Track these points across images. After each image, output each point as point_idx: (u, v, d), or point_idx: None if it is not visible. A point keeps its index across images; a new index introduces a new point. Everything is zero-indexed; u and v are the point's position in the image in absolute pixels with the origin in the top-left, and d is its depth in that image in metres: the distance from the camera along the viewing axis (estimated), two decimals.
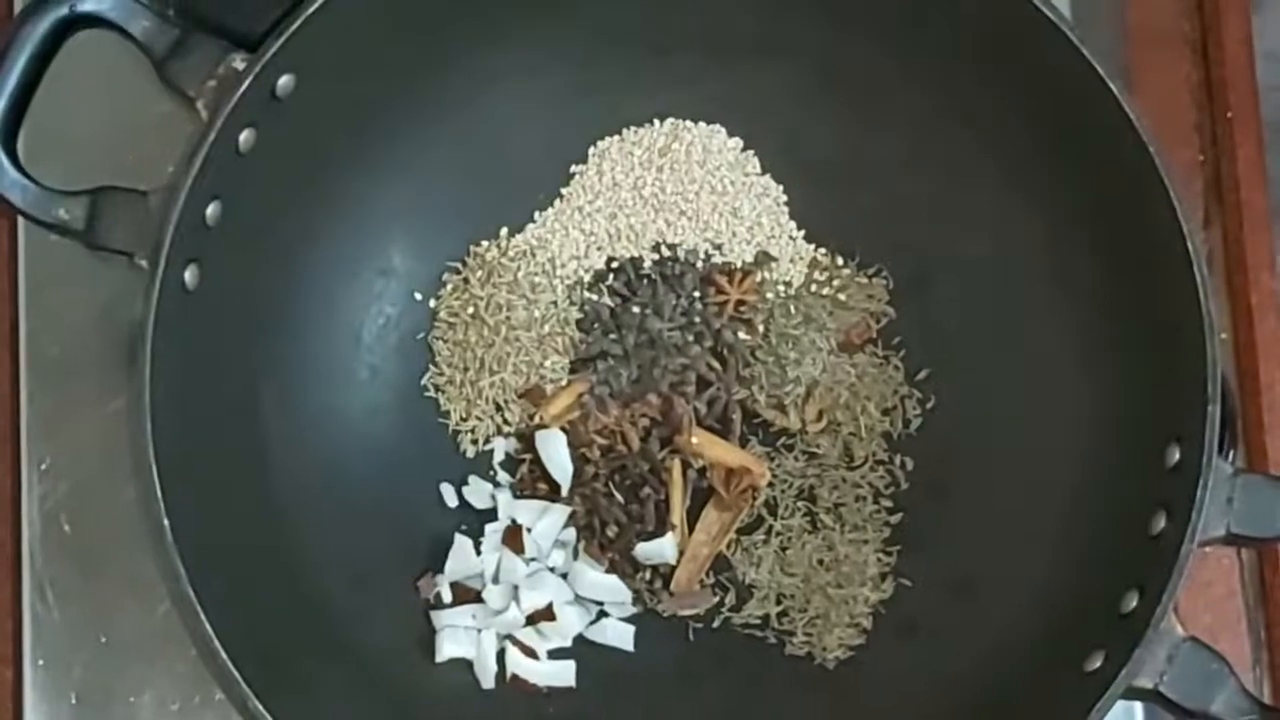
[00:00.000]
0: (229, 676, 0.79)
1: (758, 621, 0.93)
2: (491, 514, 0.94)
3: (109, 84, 0.95)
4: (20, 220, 0.95)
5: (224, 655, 0.79)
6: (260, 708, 0.79)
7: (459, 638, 0.92)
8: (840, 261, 0.97)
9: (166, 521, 0.80)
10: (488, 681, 0.91)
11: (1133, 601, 0.81)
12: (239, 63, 0.84)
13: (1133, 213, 0.85)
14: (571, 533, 0.93)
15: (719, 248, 0.97)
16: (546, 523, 0.92)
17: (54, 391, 0.95)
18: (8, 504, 0.95)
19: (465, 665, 0.92)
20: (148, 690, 0.93)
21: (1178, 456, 0.82)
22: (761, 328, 0.96)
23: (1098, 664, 0.81)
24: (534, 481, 0.93)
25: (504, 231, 0.97)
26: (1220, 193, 1.03)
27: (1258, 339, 1.00)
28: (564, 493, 0.93)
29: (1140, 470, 0.84)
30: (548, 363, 0.95)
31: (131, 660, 0.93)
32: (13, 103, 0.84)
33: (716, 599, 0.93)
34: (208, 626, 0.80)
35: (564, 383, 0.95)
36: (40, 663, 0.93)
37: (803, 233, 0.98)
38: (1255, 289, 1.00)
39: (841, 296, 0.96)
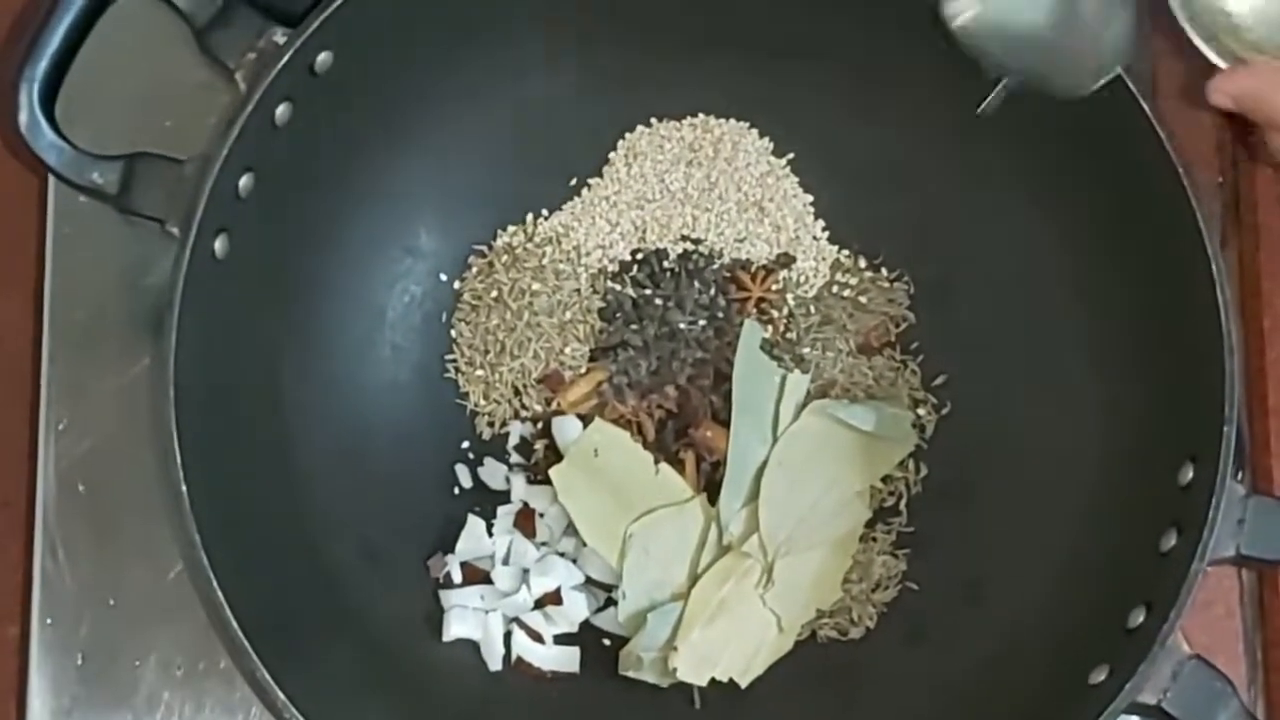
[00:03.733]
0: (238, 643, 0.80)
1: None
2: (505, 496, 0.94)
3: (149, 52, 0.94)
4: (51, 182, 0.95)
5: (234, 622, 0.80)
6: (267, 676, 0.80)
7: (466, 618, 0.92)
8: (862, 264, 0.98)
9: (185, 487, 0.81)
10: (495, 663, 0.92)
11: (1140, 617, 0.82)
12: (279, 37, 0.85)
13: (1157, 231, 0.86)
14: None
15: (743, 244, 0.97)
16: (559, 508, 0.92)
17: (76, 353, 0.95)
18: (24, 463, 0.95)
19: (471, 646, 0.93)
20: (153, 653, 0.93)
21: (1191, 475, 0.83)
22: (782, 326, 0.97)
23: (1102, 677, 0.81)
24: (549, 467, 0.93)
25: (531, 217, 0.98)
26: (1238, 215, 1.03)
27: (1268, 363, 1.00)
28: None
29: (1153, 487, 0.85)
30: (568, 350, 0.96)
31: (139, 623, 0.93)
32: (54, 65, 0.85)
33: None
34: (219, 593, 0.81)
35: (583, 370, 0.96)
36: (48, 621, 0.93)
37: (826, 234, 0.98)
38: (1269, 313, 1.00)
39: (862, 299, 0.97)
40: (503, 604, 0.92)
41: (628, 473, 0.92)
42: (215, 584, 0.80)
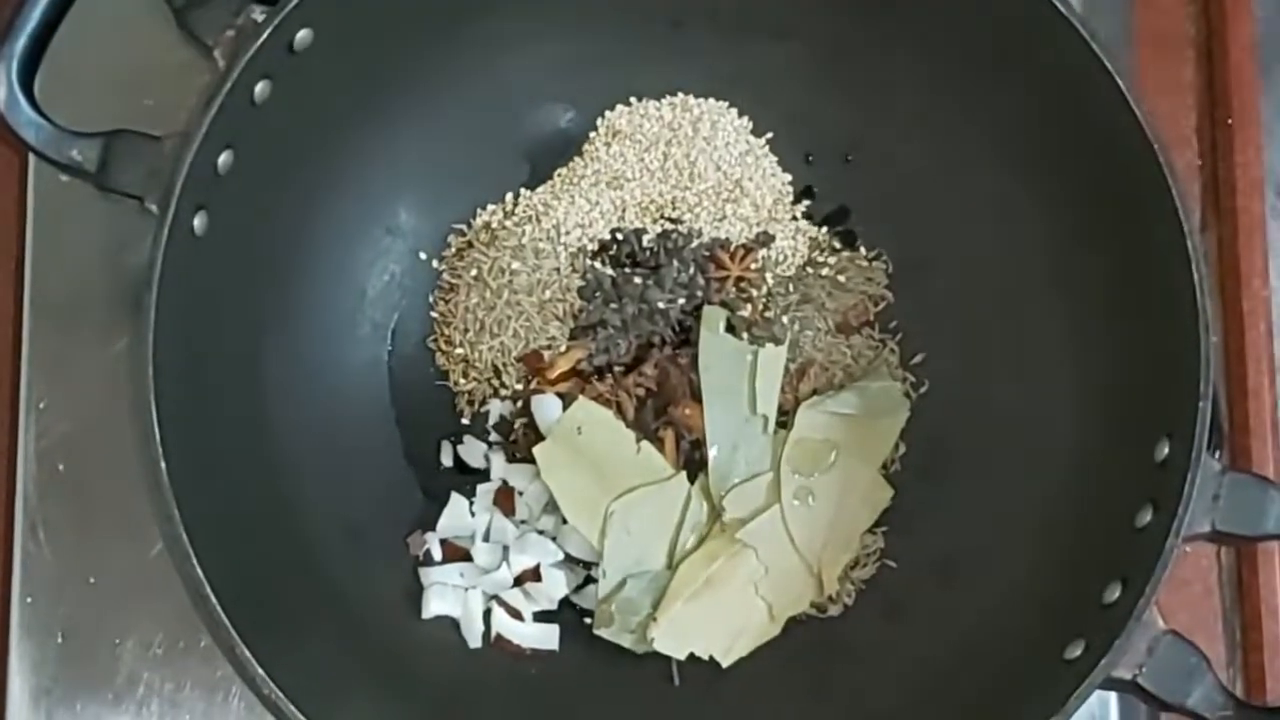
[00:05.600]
0: (218, 620, 0.80)
1: None
2: (485, 475, 0.95)
3: (127, 29, 0.95)
4: (30, 160, 0.96)
5: (214, 600, 0.80)
6: (247, 652, 0.80)
7: (446, 595, 0.93)
8: (840, 244, 0.98)
9: (164, 465, 0.80)
10: (474, 641, 0.92)
11: (1115, 592, 0.82)
12: (258, 14, 0.85)
13: (1134, 209, 0.86)
14: None
15: (722, 224, 0.97)
16: (538, 486, 0.93)
17: (56, 332, 0.96)
18: (4, 442, 0.95)
19: (450, 623, 0.93)
20: (133, 632, 0.94)
21: (1167, 451, 0.83)
22: (761, 305, 0.97)
23: (1078, 653, 0.81)
24: (528, 445, 0.93)
25: (510, 196, 0.98)
26: (1217, 197, 1.03)
27: (1247, 345, 1.00)
28: None
29: (1129, 463, 0.85)
30: (548, 328, 0.96)
31: (119, 602, 0.94)
32: (33, 42, 0.84)
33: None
34: (199, 570, 0.80)
35: (563, 349, 0.96)
36: (28, 600, 0.94)
37: (805, 213, 0.99)
38: (1247, 295, 1.01)
39: (841, 278, 0.97)
40: (482, 581, 0.93)
41: (610, 451, 0.92)
42: (195, 562, 0.80)
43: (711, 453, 0.93)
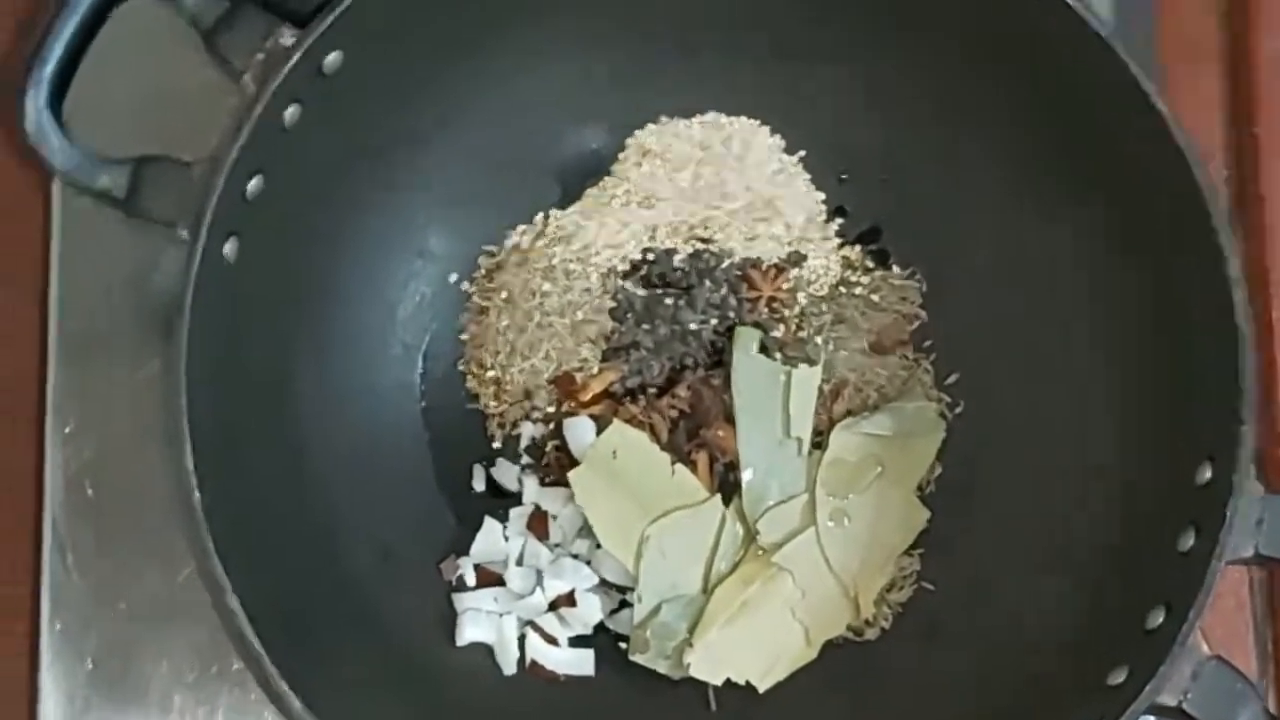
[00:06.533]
0: (255, 654, 0.79)
1: None
2: (518, 498, 0.94)
3: (155, 53, 0.94)
4: (56, 185, 0.95)
5: (251, 633, 0.79)
6: (283, 685, 0.79)
7: (480, 621, 0.92)
8: (873, 263, 0.98)
9: (197, 493, 0.80)
10: (509, 668, 0.92)
11: (1159, 618, 0.81)
12: (288, 38, 0.84)
13: (1169, 228, 0.85)
14: None
15: (754, 243, 0.97)
16: (572, 509, 0.92)
17: (82, 357, 0.95)
18: (31, 467, 0.95)
19: (484, 649, 0.92)
20: (164, 658, 0.93)
21: (1209, 475, 0.82)
22: (794, 325, 0.96)
23: (1121, 679, 0.81)
24: (561, 468, 0.93)
25: (540, 217, 0.97)
26: (1244, 209, 1.03)
27: (1278, 357, 1.00)
28: None
29: (1171, 486, 0.84)
30: (579, 350, 0.95)
31: (149, 628, 0.94)
32: (60, 68, 0.84)
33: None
34: (233, 599, 0.79)
35: (595, 371, 0.95)
36: (58, 627, 0.93)
37: (838, 232, 0.98)
38: (1277, 307, 1.01)
39: (874, 297, 0.97)
40: (516, 606, 0.92)
41: (645, 474, 0.92)
42: (229, 590, 0.79)
43: (746, 475, 0.92)
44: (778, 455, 0.93)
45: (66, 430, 0.95)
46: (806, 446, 0.93)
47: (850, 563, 0.92)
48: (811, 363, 0.94)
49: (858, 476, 0.93)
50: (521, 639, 0.92)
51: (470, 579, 0.92)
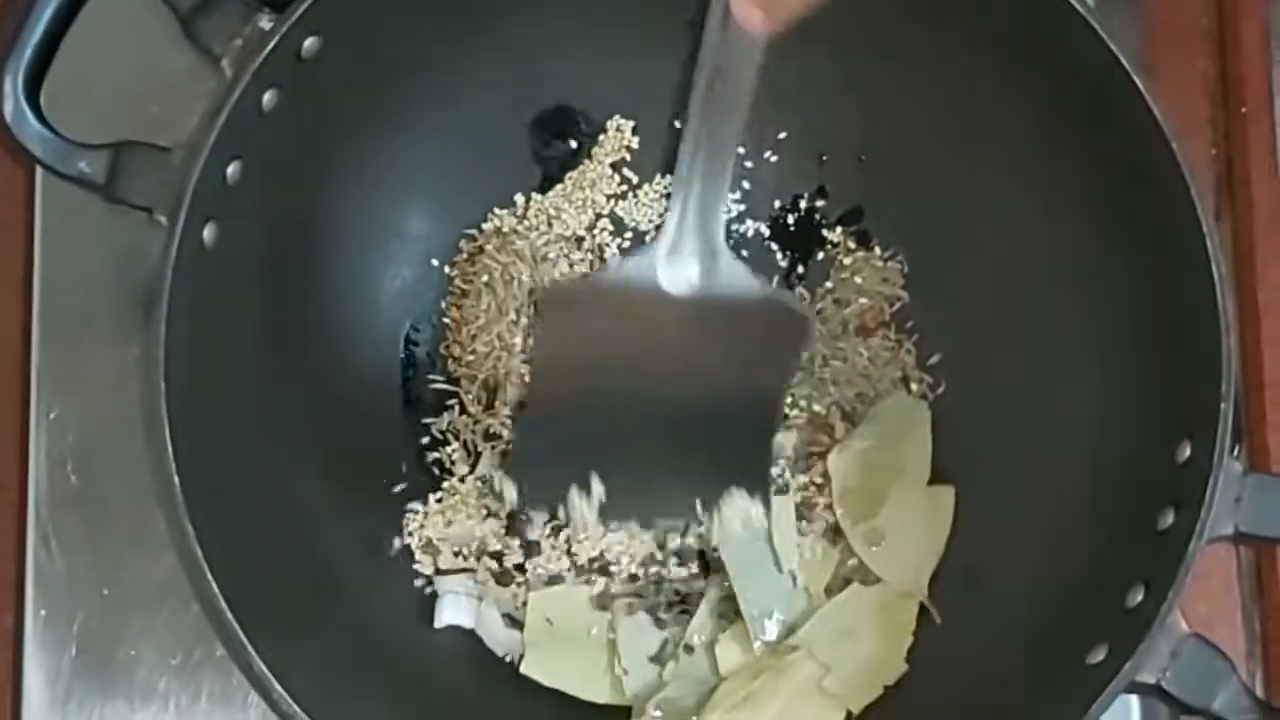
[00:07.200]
0: (235, 638, 0.79)
1: None
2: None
3: (133, 38, 0.94)
4: (38, 172, 0.95)
5: (230, 616, 0.79)
6: (264, 667, 0.80)
7: (459, 604, 0.92)
8: (855, 244, 0.98)
9: (176, 478, 0.80)
10: (498, 650, 0.92)
11: (1138, 596, 0.81)
12: (265, 23, 0.84)
13: (1151, 208, 0.85)
14: None
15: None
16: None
17: (66, 342, 0.95)
18: (15, 453, 0.95)
19: (464, 633, 0.92)
20: (148, 643, 0.93)
21: (1189, 453, 0.82)
22: None
23: (1101, 657, 0.81)
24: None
25: (520, 200, 0.97)
26: (1231, 188, 1.02)
27: (1263, 336, 1.00)
28: None
29: (1150, 465, 0.84)
30: None
31: (133, 613, 0.93)
32: (38, 54, 0.84)
33: None
34: (213, 583, 0.80)
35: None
36: (42, 613, 0.93)
37: (820, 213, 0.98)
38: (1263, 286, 1.00)
39: (857, 279, 0.97)
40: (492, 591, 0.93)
41: (582, 620, 0.92)
42: (208, 573, 0.79)
43: (750, 617, 0.91)
44: (776, 596, 0.91)
45: (50, 416, 0.95)
46: (801, 581, 0.92)
47: (904, 573, 0.92)
48: (782, 491, 0.93)
49: (872, 493, 0.92)
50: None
51: (448, 563, 0.93)
